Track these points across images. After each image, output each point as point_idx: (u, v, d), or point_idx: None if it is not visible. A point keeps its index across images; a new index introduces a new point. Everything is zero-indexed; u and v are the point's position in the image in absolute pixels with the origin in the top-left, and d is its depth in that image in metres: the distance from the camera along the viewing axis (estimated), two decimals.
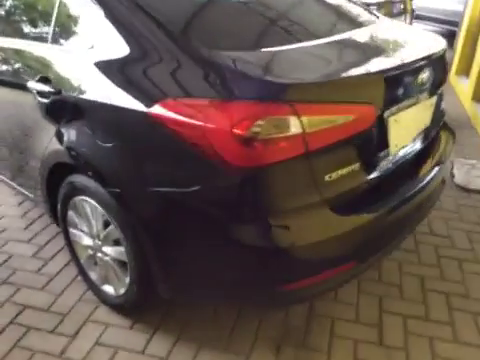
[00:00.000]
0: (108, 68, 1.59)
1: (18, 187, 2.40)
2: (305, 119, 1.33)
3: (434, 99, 1.89)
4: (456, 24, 5.62)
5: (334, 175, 1.45)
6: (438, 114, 2.01)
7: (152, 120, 1.44)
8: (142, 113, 1.46)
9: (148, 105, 1.44)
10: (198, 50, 1.46)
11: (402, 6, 4.97)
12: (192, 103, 1.38)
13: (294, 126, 1.33)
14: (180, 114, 1.39)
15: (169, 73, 1.45)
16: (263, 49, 1.55)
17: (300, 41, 1.68)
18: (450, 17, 5.77)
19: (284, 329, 1.93)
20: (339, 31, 1.87)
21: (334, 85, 1.43)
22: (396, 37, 1.93)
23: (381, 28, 2.07)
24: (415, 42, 1.91)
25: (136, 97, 1.49)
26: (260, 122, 1.31)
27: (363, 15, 2.23)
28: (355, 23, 2.07)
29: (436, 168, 1.88)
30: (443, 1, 5.97)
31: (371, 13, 2.35)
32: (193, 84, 1.41)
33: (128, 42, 1.56)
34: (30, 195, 2.28)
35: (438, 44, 1.90)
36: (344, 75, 1.46)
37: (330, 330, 1.93)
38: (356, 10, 2.27)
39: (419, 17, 5.66)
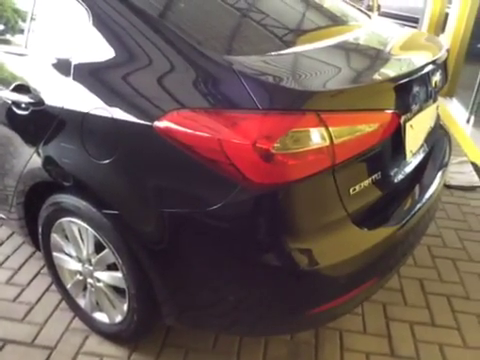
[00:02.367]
0: (105, 76, 1.42)
1: None
2: (333, 130, 1.23)
3: (437, 101, 1.86)
4: (417, 21, 5.79)
5: (358, 187, 1.36)
6: (437, 117, 1.99)
7: (159, 134, 1.28)
8: (147, 126, 1.30)
9: (154, 117, 1.28)
10: (210, 56, 1.31)
11: (370, 3, 5.00)
12: (207, 115, 1.23)
13: (321, 138, 1.22)
14: (193, 127, 1.24)
15: (179, 82, 1.30)
16: (276, 53, 1.44)
17: (308, 43, 1.58)
18: (413, 14, 5.94)
19: (294, 346, 1.83)
20: (341, 32, 1.79)
21: (358, 92, 1.34)
22: (400, 39, 1.89)
23: (380, 29, 2.02)
24: (420, 44, 1.87)
25: (140, 108, 1.33)
26: (285, 135, 1.19)
27: (357, 14, 2.17)
28: (353, 23, 2.01)
29: (440, 172, 1.84)
30: None
31: (362, 12, 2.29)
32: (207, 94, 1.27)
33: (127, 47, 1.39)
34: (2, 216, 2.04)
35: (440, 45, 1.86)
36: (366, 81, 1.38)
37: (340, 344, 1.85)
38: (348, 9, 2.20)
39: (384, 14, 5.79)
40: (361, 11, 2.26)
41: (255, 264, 1.30)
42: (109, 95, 1.40)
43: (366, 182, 1.39)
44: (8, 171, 1.79)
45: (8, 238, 2.39)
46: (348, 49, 1.66)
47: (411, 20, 5.66)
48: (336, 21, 2.05)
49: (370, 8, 5.02)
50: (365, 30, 1.92)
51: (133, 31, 1.39)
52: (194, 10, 1.65)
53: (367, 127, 1.31)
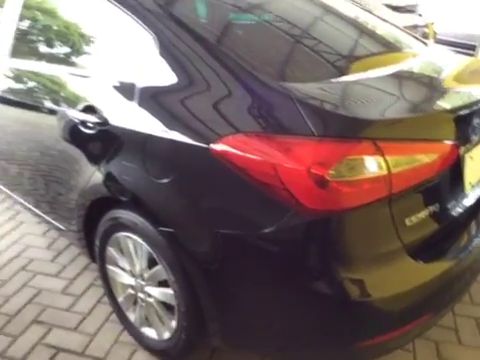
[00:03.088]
0: (165, 99, 1.49)
1: (46, 216, 2.27)
2: (390, 159, 1.22)
3: None
4: (474, 48, 5.62)
5: (414, 218, 1.33)
6: None
7: (215, 156, 1.32)
8: (204, 148, 1.34)
9: (211, 140, 1.33)
10: (267, 82, 1.36)
11: (425, 30, 4.93)
12: (262, 139, 1.26)
13: (378, 167, 1.21)
14: (248, 151, 1.27)
15: (236, 107, 1.34)
16: (332, 80, 1.45)
17: (363, 71, 1.59)
18: (469, 41, 5.79)
19: None
20: (396, 60, 1.78)
21: (416, 122, 1.32)
22: (458, 67, 1.85)
23: (437, 57, 1.99)
24: (477, 72, 1.82)
25: (197, 131, 1.38)
26: (341, 162, 1.19)
27: (411, 41, 2.16)
28: (408, 50, 1.99)
29: None
30: (464, 25, 5.98)
31: (417, 39, 2.27)
32: (263, 119, 1.31)
33: (188, 72, 1.46)
34: (61, 227, 2.15)
35: None
36: (424, 111, 1.36)
37: None
38: (402, 35, 2.19)
39: (440, 41, 5.68)
40: (416, 38, 2.24)
41: (305, 291, 1.29)
42: (169, 118, 1.47)
43: (423, 213, 1.36)
44: (72, 185, 1.90)
45: (65, 249, 2.51)
46: (405, 77, 1.65)
47: (468, 47, 5.50)
48: (390, 48, 2.04)
49: (425, 35, 4.93)
50: (422, 58, 1.90)
51: (194, 57, 1.46)
52: (252, 37, 1.71)
53: (425, 157, 1.29)
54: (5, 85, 2.19)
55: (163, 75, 1.50)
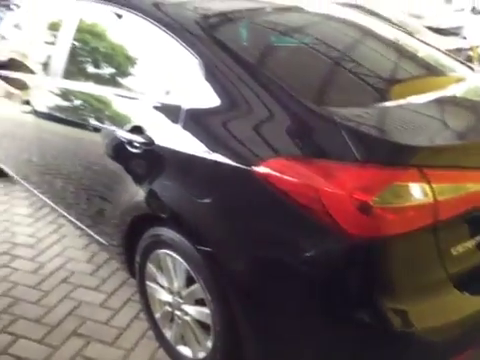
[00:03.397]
0: (209, 122, 1.53)
1: (89, 231, 2.34)
2: (436, 186, 1.20)
3: None
4: None
5: (460, 248, 1.29)
6: None
7: (257, 179, 1.34)
8: (246, 170, 1.36)
9: (254, 163, 1.35)
10: (310, 107, 1.37)
11: (469, 53, 4.83)
12: (306, 164, 1.27)
13: (424, 194, 1.19)
14: (291, 174, 1.28)
15: (280, 130, 1.36)
16: (376, 105, 1.45)
17: (407, 96, 1.57)
18: None
19: None
20: (442, 84, 1.76)
21: (464, 149, 1.30)
22: None
23: None
24: None
25: (240, 154, 1.41)
26: (385, 188, 1.18)
27: (456, 65, 2.12)
28: (453, 74, 1.96)
29: None
30: None
31: (462, 63, 2.23)
32: (306, 143, 1.32)
33: (231, 95, 1.49)
34: (103, 241, 2.21)
35: None
36: (472, 138, 1.33)
37: None
38: (446, 59, 2.16)
39: None
40: (461, 62, 2.20)
41: (344, 318, 1.27)
42: (212, 139, 1.50)
43: (470, 243, 1.32)
44: (115, 201, 1.96)
45: (105, 263, 2.57)
46: (451, 103, 1.63)
47: None
48: (434, 72, 2.01)
49: (470, 58, 4.82)
50: (468, 83, 1.86)
51: (237, 80, 1.50)
52: (295, 60, 1.74)
53: (473, 186, 1.26)
54: (56, 104, 2.30)
55: (207, 98, 1.55)
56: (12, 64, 2.72)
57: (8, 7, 9.16)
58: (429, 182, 1.19)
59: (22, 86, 2.55)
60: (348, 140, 1.24)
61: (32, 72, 2.56)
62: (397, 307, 1.22)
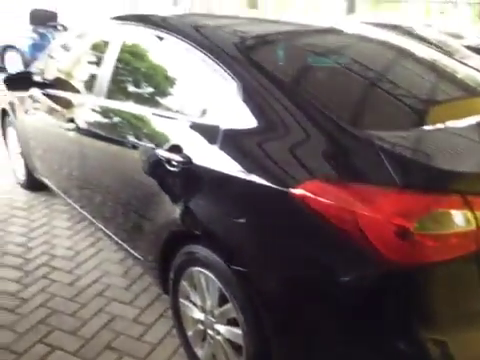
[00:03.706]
0: (246, 142, 1.55)
1: (125, 246, 2.39)
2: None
3: None
4: None
5: None
6: None
7: (294, 201, 1.34)
8: (282, 192, 1.37)
9: (291, 184, 1.35)
10: (347, 128, 1.37)
11: None
12: (344, 187, 1.26)
13: (466, 221, 1.16)
14: (329, 197, 1.27)
15: (317, 153, 1.36)
16: (416, 129, 1.43)
17: (448, 119, 1.54)
18: None
19: None
20: None
21: None
22: None
23: None
24: None
25: (276, 175, 1.41)
26: (425, 214, 1.16)
27: None
28: None
29: None
30: None
31: None
32: (344, 166, 1.32)
33: (268, 116, 1.51)
34: (139, 257, 2.25)
35: None
36: None
37: None
38: None
39: None
40: None
41: (380, 347, 1.24)
42: (249, 160, 1.52)
43: None
44: (151, 217, 2.00)
45: (139, 278, 2.60)
46: None
47: None
48: (475, 94, 1.96)
49: None
50: None
51: (274, 102, 1.51)
52: (332, 81, 1.74)
53: None
54: (98, 122, 2.39)
55: (244, 119, 1.57)
56: (58, 83, 2.85)
57: (55, 28, 9.58)
58: (472, 209, 1.16)
59: (67, 104, 2.66)
60: (387, 164, 1.22)
61: (76, 91, 2.67)
62: (437, 338, 1.18)
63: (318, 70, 1.84)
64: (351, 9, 9.31)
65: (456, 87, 2.04)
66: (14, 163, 3.81)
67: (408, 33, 4.40)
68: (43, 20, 9.59)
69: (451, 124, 1.49)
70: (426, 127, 1.48)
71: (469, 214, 1.16)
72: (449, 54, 2.36)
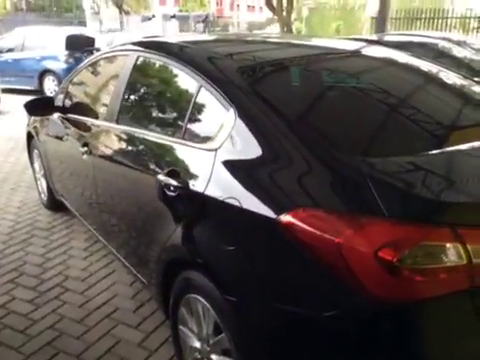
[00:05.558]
0: (240, 170, 1.53)
1: (133, 269, 2.39)
2: (471, 248, 1.09)
3: None
4: None
5: None
6: None
7: (282, 229, 1.30)
8: (271, 219, 1.33)
9: (279, 212, 1.31)
10: (337, 156, 1.33)
11: None
12: (329, 216, 1.22)
13: (457, 255, 1.09)
14: (314, 226, 1.23)
15: (305, 181, 1.33)
16: (409, 156, 1.37)
17: (447, 145, 1.47)
18: None
19: None
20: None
21: None
22: None
23: None
24: None
25: (266, 202, 1.38)
26: (413, 248, 1.09)
27: None
28: None
29: None
30: None
31: None
32: (332, 195, 1.27)
33: (261, 144, 1.48)
34: (144, 280, 2.25)
35: None
36: None
37: None
38: None
39: None
40: None
41: None
42: (241, 187, 1.49)
43: None
44: (154, 242, 2.00)
45: (147, 301, 2.59)
46: None
47: None
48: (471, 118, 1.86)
49: None
50: None
51: (268, 131, 1.49)
52: (329, 108, 1.70)
53: None
54: (108, 146, 2.43)
55: (239, 147, 1.55)
56: (75, 108, 2.94)
57: (91, 52, 10.01)
58: (464, 242, 1.09)
59: (81, 128, 2.74)
60: (375, 194, 1.17)
61: (91, 116, 2.74)
62: None
63: (315, 97, 1.80)
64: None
65: (452, 113, 1.93)
66: (38, 184, 3.95)
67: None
68: (80, 45, 10.05)
69: (447, 150, 1.41)
70: (423, 153, 1.41)
71: (460, 247, 1.09)
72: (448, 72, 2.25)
